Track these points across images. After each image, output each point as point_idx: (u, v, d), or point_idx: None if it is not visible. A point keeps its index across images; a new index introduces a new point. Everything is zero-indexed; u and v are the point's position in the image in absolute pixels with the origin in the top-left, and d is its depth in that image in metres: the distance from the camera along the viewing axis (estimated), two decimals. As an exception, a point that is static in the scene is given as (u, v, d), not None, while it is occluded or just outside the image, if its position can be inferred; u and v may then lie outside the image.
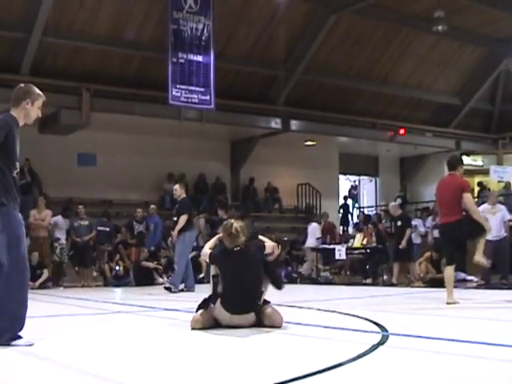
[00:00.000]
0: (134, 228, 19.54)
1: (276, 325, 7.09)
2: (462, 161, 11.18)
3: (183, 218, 14.56)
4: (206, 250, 7.66)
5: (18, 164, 6.33)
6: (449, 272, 10.71)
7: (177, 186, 15.20)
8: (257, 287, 7.22)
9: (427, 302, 10.75)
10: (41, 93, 6.59)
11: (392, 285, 16.88)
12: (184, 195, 15.14)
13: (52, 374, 4.86)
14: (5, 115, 6.33)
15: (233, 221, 7.35)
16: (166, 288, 14.58)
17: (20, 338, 6.05)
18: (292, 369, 4.72)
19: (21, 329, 6.08)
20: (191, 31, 21.55)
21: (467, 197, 10.54)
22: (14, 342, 5.98)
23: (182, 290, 14.53)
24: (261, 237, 7.86)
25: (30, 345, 6.01)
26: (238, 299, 7.03)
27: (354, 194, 30.25)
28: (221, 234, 7.51)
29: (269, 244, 7.49)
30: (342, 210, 28.70)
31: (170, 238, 16.74)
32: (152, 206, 20.36)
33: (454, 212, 10.58)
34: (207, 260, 7.79)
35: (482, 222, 10.60)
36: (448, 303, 10.26)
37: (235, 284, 7.10)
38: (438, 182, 11.19)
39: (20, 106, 6.46)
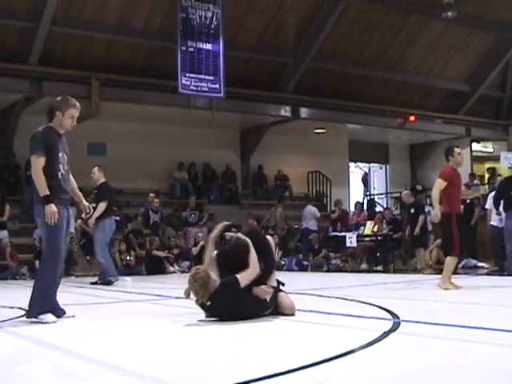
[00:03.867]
0: (149, 217, 19.52)
1: (288, 312, 7.11)
2: (451, 149, 11.25)
3: (101, 206, 13.83)
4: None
5: (61, 166, 7.34)
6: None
7: (95, 169, 14.33)
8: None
9: (438, 288, 10.72)
10: (74, 103, 7.47)
11: (403, 271, 16.89)
12: (103, 179, 14.28)
13: (64, 363, 4.89)
14: (43, 127, 7.41)
15: (190, 276, 6.99)
16: (96, 283, 13.93)
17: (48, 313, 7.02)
18: (304, 356, 4.74)
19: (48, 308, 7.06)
20: (200, 19, 21.52)
21: (437, 181, 10.85)
22: (42, 316, 6.95)
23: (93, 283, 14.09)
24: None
25: (55, 321, 6.96)
26: None
27: (366, 180, 30.36)
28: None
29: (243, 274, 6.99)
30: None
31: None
32: (151, 195, 20.13)
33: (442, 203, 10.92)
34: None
35: (434, 206, 11.02)
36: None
37: None
38: None
39: (55, 116, 7.45)
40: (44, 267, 7.17)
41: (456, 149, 11.20)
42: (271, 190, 26.26)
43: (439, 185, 10.78)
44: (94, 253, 14.62)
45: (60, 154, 7.31)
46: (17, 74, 19.62)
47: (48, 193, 7.09)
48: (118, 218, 19.22)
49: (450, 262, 10.86)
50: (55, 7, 19.23)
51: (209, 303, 6.77)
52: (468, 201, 18.49)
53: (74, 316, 7.40)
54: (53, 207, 7.06)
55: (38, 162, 7.14)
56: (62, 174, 7.30)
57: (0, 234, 17.71)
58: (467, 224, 18.02)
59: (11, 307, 8.31)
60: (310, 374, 4.20)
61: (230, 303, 6.80)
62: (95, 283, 13.88)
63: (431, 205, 14.64)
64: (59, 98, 7.54)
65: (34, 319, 6.95)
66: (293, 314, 7.14)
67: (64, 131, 7.49)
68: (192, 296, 7.03)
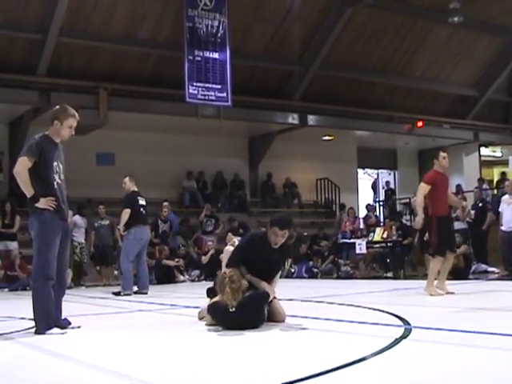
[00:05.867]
0: (158, 227, 19.47)
1: (280, 319, 7.23)
2: (437, 153, 11.35)
3: (125, 212, 13.83)
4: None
5: (57, 176, 7.21)
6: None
7: (126, 179, 14.32)
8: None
9: (449, 294, 10.70)
10: (73, 113, 7.35)
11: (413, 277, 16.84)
12: (133, 188, 14.29)
13: (76, 373, 4.89)
14: (39, 135, 7.27)
15: (227, 280, 6.75)
16: (115, 293, 13.76)
17: (53, 327, 7.00)
18: (315, 364, 4.73)
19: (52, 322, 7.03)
20: (207, 28, 21.60)
21: (420, 185, 10.99)
22: (49, 331, 6.92)
23: (135, 293, 13.76)
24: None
25: (64, 333, 6.99)
26: None
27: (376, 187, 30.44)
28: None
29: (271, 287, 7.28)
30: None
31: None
32: (165, 204, 20.11)
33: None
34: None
35: (417, 211, 11.02)
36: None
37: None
38: None
39: (52, 125, 7.29)
40: (35, 286, 7.08)
41: (441, 153, 11.31)
42: (280, 198, 26.27)
43: (422, 189, 10.92)
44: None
45: (55, 163, 7.21)
46: (25, 86, 19.71)
47: (33, 192, 7.06)
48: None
49: (432, 266, 10.95)
50: (62, 19, 19.33)
51: (233, 309, 6.68)
52: (480, 204, 18.48)
53: (79, 327, 7.37)
54: (43, 201, 7.04)
55: (24, 163, 7.06)
56: (57, 183, 7.21)
57: (10, 246, 17.78)
58: (479, 228, 18.01)
59: (22, 318, 8.32)
60: (322, 382, 4.19)
61: (254, 315, 6.88)
62: (118, 293, 13.73)
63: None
64: (58, 107, 7.47)
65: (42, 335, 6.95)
66: (283, 321, 7.21)
67: (60, 140, 7.39)
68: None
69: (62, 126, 7.26)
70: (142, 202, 14.28)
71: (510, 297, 10.83)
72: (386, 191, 28.48)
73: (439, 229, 10.85)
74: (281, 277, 7.86)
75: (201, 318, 7.62)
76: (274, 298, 7.34)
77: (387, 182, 29.32)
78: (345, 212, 23.28)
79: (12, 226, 17.80)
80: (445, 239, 10.91)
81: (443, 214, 11.04)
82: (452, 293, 10.72)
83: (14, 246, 17.79)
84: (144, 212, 14.32)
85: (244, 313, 6.72)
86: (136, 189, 14.36)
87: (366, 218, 22.77)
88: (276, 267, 7.57)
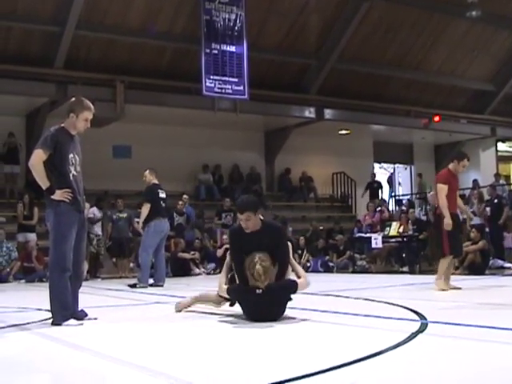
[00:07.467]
0: (174, 220, 19.48)
1: None
2: (463, 157, 11.12)
3: (145, 208, 13.83)
4: (222, 285, 7.27)
5: (73, 168, 7.20)
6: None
7: (146, 173, 14.33)
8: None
9: (466, 289, 10.67)
10: (89, 106, 7.33)
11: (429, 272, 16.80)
12: (154, 181, 14.23)
13: (91, 364, 4.91)
14: (54, 127, 7.31)
15: (256, 259, 6.70)
16: (130, 285, 13.74)
17: (70, 319, 7.04)
18: (333, 357, 4.72)
19: (69, 313, 7.06)
20: (224, 22, 21.63)
21: (438, 187, 10.73)
22: (66, 323, 6.95)
23: (151, 285, 13.71)
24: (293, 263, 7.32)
25: (81, 324, 7.03)
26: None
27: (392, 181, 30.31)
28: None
29: (302, 281, 7.07)
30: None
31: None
32: (184, 196, 20.15)
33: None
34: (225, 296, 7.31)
35: (444, 214, 10.57)
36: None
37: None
38: None
39: (68, 117, 7.30)
40: (52, 277, 7.11)
41: (466, 161, 11.04)
42: (296, 192, 26.25)
43: (443, 191, 10.66)
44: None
45: (71, 155, 7.19)
46: (42, 78, 19.80)
47: (49, 184, 7.07)
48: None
49: (442, 263, 10.83)
50: (79, 12, 19.40)
51: (260, 291, 6.63)
52: (496, 200, 18.39)
53: (96, 318, 7.39)
54: (59, 193, 7.05)
55: (39, 155, 7.08)
56: (73, 175, 7.20)
57: (28, 237, 17.90)
58: (495, 223, 17.91)
59: (38, 309, 8.36)
60: (340, 375, 4.18)
61: (279, 301, 6.85)
62: (134, 286, 13.73)
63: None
64: (73, 100, 7.45)
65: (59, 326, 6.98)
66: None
67: (76, 132, 7.38)
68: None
69: (78, 119, 7.25)
70: (162, 194, 14.23)
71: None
72: (369, 183, 27.69)
73: (454, 228, 10.71)
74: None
75: (178, 311, 8.03)
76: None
77: (373, 174, 28.66)
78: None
79: (31, 218, 17.92)
80: (455, 240, 10.79)
81: (453, 212, 10.83)
82: (459, 288, 10.67)
83: (32, 237, 17.91)
84: (164, 205, 14.31)
85: (270, 297, 6.66)
86: (157, 181, 14.31)
87: (379, 213, 22.69)
88: (276, 252, 7.06)
